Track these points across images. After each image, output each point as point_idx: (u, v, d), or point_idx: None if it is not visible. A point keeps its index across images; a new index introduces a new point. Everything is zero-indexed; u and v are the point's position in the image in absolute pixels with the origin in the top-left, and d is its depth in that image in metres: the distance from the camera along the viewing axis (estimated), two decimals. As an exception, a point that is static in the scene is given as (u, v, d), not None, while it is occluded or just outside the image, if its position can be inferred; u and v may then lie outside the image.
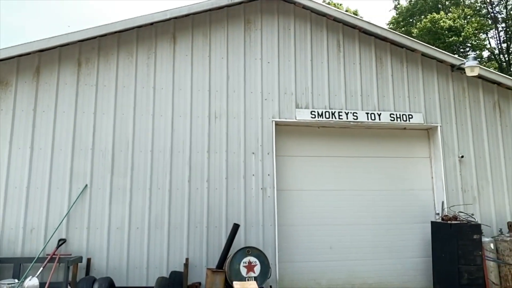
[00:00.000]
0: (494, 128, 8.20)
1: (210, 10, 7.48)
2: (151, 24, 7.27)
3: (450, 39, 29.17)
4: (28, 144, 6.59)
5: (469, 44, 31.43)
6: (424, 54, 8.13)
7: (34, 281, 5.80)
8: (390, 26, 36.79)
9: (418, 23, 31.71)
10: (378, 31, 7.91)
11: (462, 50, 31.68)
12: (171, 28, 7.37)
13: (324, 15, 7.89)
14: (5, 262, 6.09)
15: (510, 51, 30.65)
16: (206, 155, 7.10)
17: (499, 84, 8.33)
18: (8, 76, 6.75)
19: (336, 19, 7.90)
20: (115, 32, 7.07)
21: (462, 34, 29.53)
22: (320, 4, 7.83)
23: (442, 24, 29.52)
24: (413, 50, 8.09)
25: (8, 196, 6.40)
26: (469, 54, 31.85)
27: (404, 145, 8.14)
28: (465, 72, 7.78)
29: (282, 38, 7.76)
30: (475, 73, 7.51)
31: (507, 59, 30.46)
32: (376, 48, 8.05)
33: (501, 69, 29.28)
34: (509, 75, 29.30)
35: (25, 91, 6.75)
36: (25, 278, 5.83)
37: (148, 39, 7.28)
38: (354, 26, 7.95)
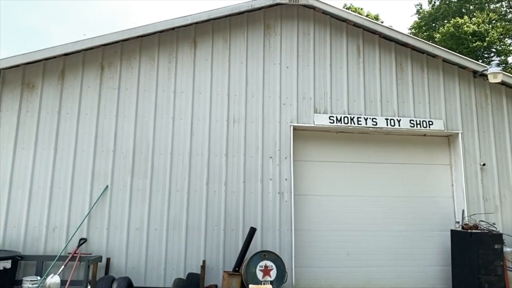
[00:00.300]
0: (517, 136, 8.03)
1: (230, 15, 7.57)
2: (172, 29, 7.40)
3: (474, 44, 28.62)
4: (52, 145, 6.79)
5: (493, 50, 30.77)
6: (445, 60, 8.03)
7: (56, 278, 5.96)
8: (412, 31, 36.35)
9: (441, 28, 31.23)
10: (399, 37, 7.85)
11: (486, 55, 31.04)
12: (192, 33, 7.50)
13: (344, 20, 7.89)
14: (28, 259, 6.28)
15: (536, 57, 29.84)
16: (224, 159, 7.17)
17: (523, 91, 8.16)
18: (34, 79, 6.98)
19: (356, 24, 7.89)
20: (137, 36, 7.24)
21: (487, 39, 28.94)
22: (340, 9, 7.83)
23: (466, 29, 28.99)
24: (434, 56, 8.00)
25: (33, 195, 6.60)
26: (493, 60, 31.20)
27: (424, 152, 8.03)
28: (487, 79, 7.64)
29: (301, 43, 7.79)
30: (498, 80, 7.37)
31: (533, 65, 29.65)
32: (397, 53, 7.99)
33: (527, 75, 28.50)
34: (536, 81, 28.43)
35: (50, 94, 6.96)
36: (47, 275, 6.00)
37: (169, 44, 7.42)
38: (374, 32, 7.92)
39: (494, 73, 7.27)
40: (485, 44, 29.18)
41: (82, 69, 7.14)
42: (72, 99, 7.02)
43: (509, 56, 32.12)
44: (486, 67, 7.72)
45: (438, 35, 30.74)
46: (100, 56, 7.22)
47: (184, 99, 7.27)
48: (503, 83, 7.99)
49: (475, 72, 8.04)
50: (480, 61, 29.47)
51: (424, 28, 35.64)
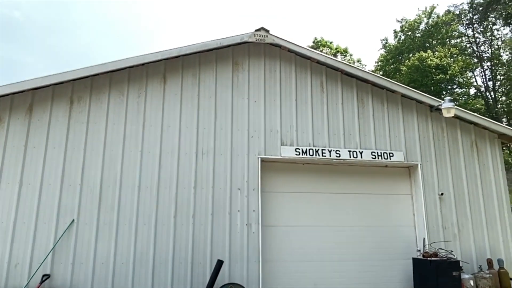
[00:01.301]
0: (472, 166, 8.50)
1: (199, 52, 7.85)
2: (143, 64, 7.60)
3: (438, 77, 30.06)
4: (17, 179, 6.73)
5: (456, 82, 32.38)
6: (404, 95, 8.52)
7: (16, 317, 5.80)
8: (379, 64, 37.88)
9: (407, 61, 32.73)
10: (360, 74, 8.32)
11: (449, 87, 32.62)
12: (161, 69, 7.71)
13: (308, 58, 8.30)
14: (-12, 297, 6.11)
15: (496, 89, 31.56)
16: (193, 191, 7.27)
17: (475, 124, 8.70)
18: (1, 113, 6.98)
19: (319, 62, 8.31)
20: (107, 72, 7.39)
21: (449, 72, 30.48)
22: (304, 48, 8.25)
23: (429, 62, 30.50)
24: (393, 91, 8.48)
25: (-5, 230, 6.48)
26: (456, 91, 32.72)
27: (386, 182, 8.38)
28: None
29: (268, 79, 8.12)
30: (451, 114, 7.87)
31: (493, 96, 31.31)
32: (358, 89, 8.43)
33: (487, 105, 30.06)
34: (495, 112, 30.02)
35: (17, 128, 6.95)
36: (7, 314, 5.84)
37: (139, 79, 7.60)
38: (336, 69, 8.36)
39: (447, 108, 7.76)
40: (448, 76, 30.69)
41: (51, 103, 7.19)
42: (39, 133, 7.02)
43: (471, 88, 33.82)
44: (441, 102, 8.23)
45: (404, 67, 32.17)
46: (69, 90, 7.31)
47: (153, 132, 7.39)
48: (457, 117, 8.52)
49: (431, 107, 8.55)
50: (444, 92, 30.93)
51: (391, 61, 37.21)
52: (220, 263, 6.67)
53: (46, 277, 6.40)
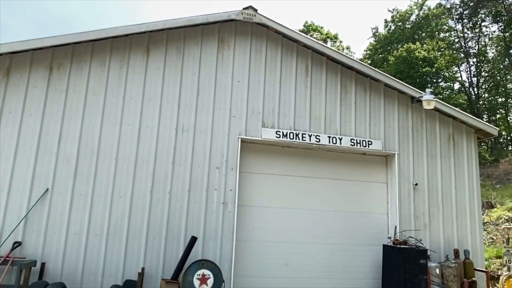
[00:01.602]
0: (447, 159, 8.69)
1: (185, 26, 7.71)
2: (126, 35, 7.44)
3: (424, 69, 30.33)
4: (-9, 145, 6.60)
5: (441, 75, 32.74)
6: (387, 85, 8.59)
7: (-16, 282, 5.77)
8: (368, 52, 37.96)
9: (395, 51, 32.87)
10: (345, 60, 8.32)
11: (434, 80, 32.97)
12: (145, 41, 7.57)
13: (295, 40, 8.25)
14: (-44, 261, 6.04)
15: (479, 85, 32.05)
16: (171, 167, 7.25)
17: (454, 118, 8.85)
18: (-23, 75, 6.78)
19: (306, 46, 8.27)
20: (89, 40, 7.21)
21: (435, 65, 30.77)
22: (292, 30, 8.18)
23: (417, 54, 30.72)
24: (376, 80, 8.54)
25: (-34, 195, 6.38)
26: (440, 85, 33.10)
27: (363, 170, 8.50)
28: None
29: (254, 59, 8.06)
30: (431, 106, 7.98)
31: (476, 92, 31.82)
32: (342, 75, 8.45)
33: (470, 101, 30.56)
34: (477, 108, 30.54)
35: (-7, 92, 6.77)
36: (-25, 279, 5.80)
37: (122, 50, 7.44)
38: (322, 54, 8.34)
39: (428, 100, 7.86)
40: (434, 70, 30.99)
41: (30, 69, 7.00)
42: (16, 98, 6.85)
43: (455, 82, 34.23)
44: (422, 93, 8.33)
45: (392, 58, 32.33)
46: (49, 57, 7.12)
47: (133, 105, 7.30)
48: (437, 109, 8.65)
49: (412, 98, 8.65)
50: (429, 85, 31.24)
51: (379, 50, 37.31)
52: (193, 239, 6.73)
53: (17, 244, 6.36)
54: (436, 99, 8.19)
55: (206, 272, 6.33)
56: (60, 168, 6.80)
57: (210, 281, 6.31)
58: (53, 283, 5.99)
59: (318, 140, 7.96)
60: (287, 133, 7.86)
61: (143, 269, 6.66)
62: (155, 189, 7.11)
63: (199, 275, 6.29)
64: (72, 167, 6.84)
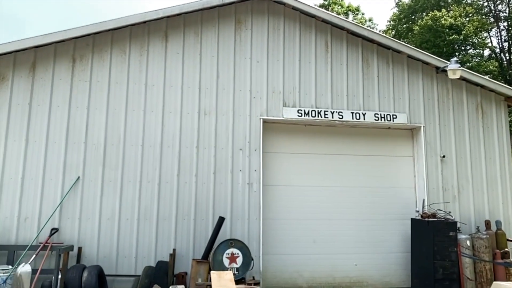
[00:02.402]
0: (476, 129, 8.44)
1: (201, 9, 7.70)
2: (144, 22, 7.50)
3: (451, 37, 29.19)
4: (23, 137, 6.88)
5: (470, 43, 31.45)
6: (410, 56, 8.35)
7: (27, 267, 6.10)
8: (392, 23, 36.80)
9: (420, 21, 31.73)
10: (365, 33, 8.13)
11: (463, 48, 31.73)
12: (163, 27, 7.61)
13: (313, 16, 8.11)
14: (0, 249, 6.41)
15: (511, 50, 30.63)
16: (195, 151, 7.37)
17: (482, 86, 8.55)
18: (5, 70, 7.02)
19: (324, 21, 8.12)
20: (109, 29, 7.32)
21: (463, 32, 29.54)
22: (309, 5, 8.03)
23: (443, 22, 29.52)
24: (399, 52, 8.31)
25: (3, 186, 6.71)
26: (469, 53, 31.84)
27: (388, 144, 8.39)
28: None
29: (272, 38, 7.99)
30: (457, 76, 7.73)
31: (508, 58, 30.45)
32: (363, 49, 8.27)
33: (501, 67, 29.33)
34: (509, 75, 29.30)
35: (21, 86, 7.02)
36: (19, 264, 6.14)
37: (141, 37, 7.53)
38: (342, 28, 8.17)
39: (453, 69, 7.61)
40: (462, 37, 29.79)
41: (54, 62, 7.20)
42: (43, 91, 7.09)
43: (485, 49, 32.86)
44: (447, 63, 8.06)
45: (416, 27, 31.24)
46: (72, 48, 7.29)
47: (155, 92, 7.41)
48: (463, 78, 8.37)
49: (437, 68, 8.39)
50: (457, 53, 30.14)
51: (403, 20, 36.09)
52: (221, 219, 6.88)
53: (54, 230, 6.68)
54: (462, 68, 7.92)
55: (235, 251, 6.48)
56: (89, 157, 7.04)
57: (239, 260, 6.47)
58: (90, 266, 6.28)
59: (341, 117, 7.89)
60: (309, 111, 7.82)
61: (174, 250, 6.89)
62: (181, 173, 7.26)
63: (228, 254, 6.46)
64: (100, 155, 7.06)
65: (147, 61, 7.48)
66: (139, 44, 7.50)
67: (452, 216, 7.60)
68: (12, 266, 6.22)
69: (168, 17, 7.57)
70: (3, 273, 6.04)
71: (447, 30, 29.26)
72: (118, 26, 7.34)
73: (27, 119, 6.95)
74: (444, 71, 8.22)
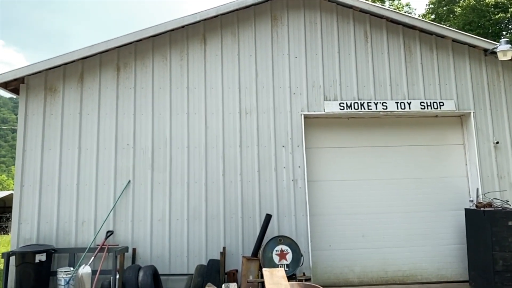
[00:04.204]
0: (531, 111, 7.97)
1: (237, 10, 7.75)
2: (182, 27, 7.66)
3: (497, 16, 27.68)
4: (76, 145, 7.24)
5: (517, 20, 29.66)
6: (454, 40, 8.00)
7: (87, 269, 6.43)
8: (431, 6, 35.38)
9: (461, 1, 30.30)
10: (406, 20, 7.87)
11: (510, 26, 29.98)
12: (201, 30, 7.74)
13: (350, 7, 7.95)
14: (61, 252, 6.79)
15: None
16: (239, 150, 7.45)
17: (536, 66, 8.05)
18: (55, 83, 7.41)
19: (362, 10, 7.94)
20: (149, 36, 7.53)
21: (510, 9, 27.91)
22: (346, -4, 7.88)
23: (487, 0, 28.04)
24: (443, 36, 7.98)
25: (61, 192, 7.09)
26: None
27: (436, 133, 8.09)
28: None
29: (309, 32, 7.92)
30: (508, 57, 7.32)
31: (560, 34, 28.46)
32: (405, 36, 8.02)
33: (553, 44, 27.45)
34: None
35: (71, 96, 7.38)
36: (79, 266, 6.48)
37: (180, 42, 7.69)
38: (381, 16, 7.96)
39: (503, 50, 7.21)
40: (509, 15, 28.17)
41: (100, 71, 7.51)
42: (91, 100, 7.42)
43: (535, 26, 30.90)
44: (496, 44, 7.65)
45: (458, 9, 29.85)
46: (115, 57, 7.57)
47: (197, 94, 7.56)
48: (515, 59, 7.91)
49: (485, 50, 7.98)
50: (504, 33, 28.53)
51: (443, 2, 34.62)
52: (268, 217, 6.91)
53: (110, 233, 6.98)
54: (513, 48, 7.49)
55: (284, 247, 6.50)
56: (138, 161, 7.29)
57: (289, 256, 6.48)
58: (145, 266, 6.51)
59: (385, 108, 7.69)
60: (351, 103, 7.68)
61: (224, 248, 7.00)
62: (226, 172, 7.37)
63: (278, 251, 6.48)
64: (148, 159, 7.30)
65: (187, 64, 7.64)
66: (179, 48, 7.67)
67: (510, 205, 7.23)
68: (74, 268, 6.57)
69: (205, 20, 7.69)
70: (66, 275, 6.39)
71: (492, 8, 27.75)
72: (158, 33, 7.53)
73: (79, 128, 7.31)
74: (493, 53, 7.81)
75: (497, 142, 7.76)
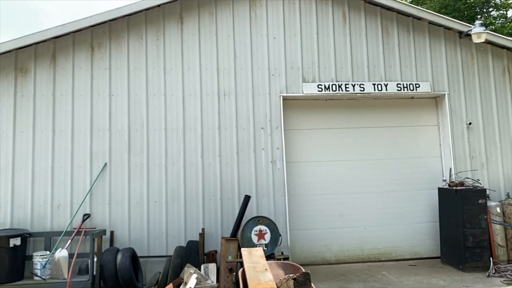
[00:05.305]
0: (503, 93, 8.19)
1: (215, -12, 7.60)
2: (158, 6, 7.46)
3: (472, 0, 28.06)
4: (50, 127, 7.04)
5: (492, 4, 30.17)
6: (431, 22, 8.09)
7: (64, 252, 6.35)
8: (409, -12, 35.47)
9: (438, -15, 30.52)
10: (383, 1, 7.89)
11: (484, 10, 30.48)
12: (177, 9, 7.57)
13: (328, -13, 7.91)
14: (37, 236, 6.67)
15: (536, 10, 29.24)
16: (217, 132, 7.41)
17: (508, 49, 8.23)
18: (27, 63, 7.15)
19: (340, -9, 7.92)
20: (124, 16, 7.32)
21: (484, -7, 28.31)
22: (324, -24, 7.83)
23: (463, -16, 28.32)
24: (419, 18, 8.06)
25: (35, 176, 6.92)
26: (492, 15, 30.60)
27: (412, 114, 8.24)
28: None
29: (287, 13, 7.85)
30: (482, 40, 7.46)
31: (533, 18, 29.10)
32: (382, 18, 8.05)
33: (526, 29, 28.10)
34: (534, 36, 28.04)
35: (43, 77, 7.14)
36: (56, 250, 6.39)
37: (156, 21, 7.51)
38: (359, -3, 7.96)
39: (477, 33, 7.35)
40: (483, -1, 28.54)
41: (73, 51, 7.28)
42: (65, 81, 7.20)
43: (508, 10, 31.49)
44: (470, 27, 7.78)
45: (435, -9, 30.07)
46: (89, 37, 7.34)
47: (174, 75, 7.43)
48: (488, 42, 8.07)
49: (460, 33, 8.11)
50: (479, 16, 28.98)
51: (420, -15, 34.78)
52: (247, 198, 6.94)
53: (86, 216, 6.88)
54: (487, 31, 7.63)
55: (263, 227, 6.56)
56: (114, 143, 7.16)
57: (267, 236, 6.54)
58: (123, 248, 6.47)
59: (362, 89, 7.76)
60: (329, 85, 7.72)
61: (203, 229, 7.02)
62: (205, 154, 7.33)
63: (256, 231, 6.54)
64: (125, 141, 7.18)
65: (164, 45, 7.48)
66: (155, 28, 7.49)
67: (481, 184, 7.48)
68: (50, 251, 6.47)
69: (182, -2, 7.51)
70: (42, 259, 6.29)
71: (468, -8, 28.07)
72: (133, 12, 7.32)
73: (52, 110, 7.10)
74: (468, 35, 7.94)
75: (470, 123, 7.97)
